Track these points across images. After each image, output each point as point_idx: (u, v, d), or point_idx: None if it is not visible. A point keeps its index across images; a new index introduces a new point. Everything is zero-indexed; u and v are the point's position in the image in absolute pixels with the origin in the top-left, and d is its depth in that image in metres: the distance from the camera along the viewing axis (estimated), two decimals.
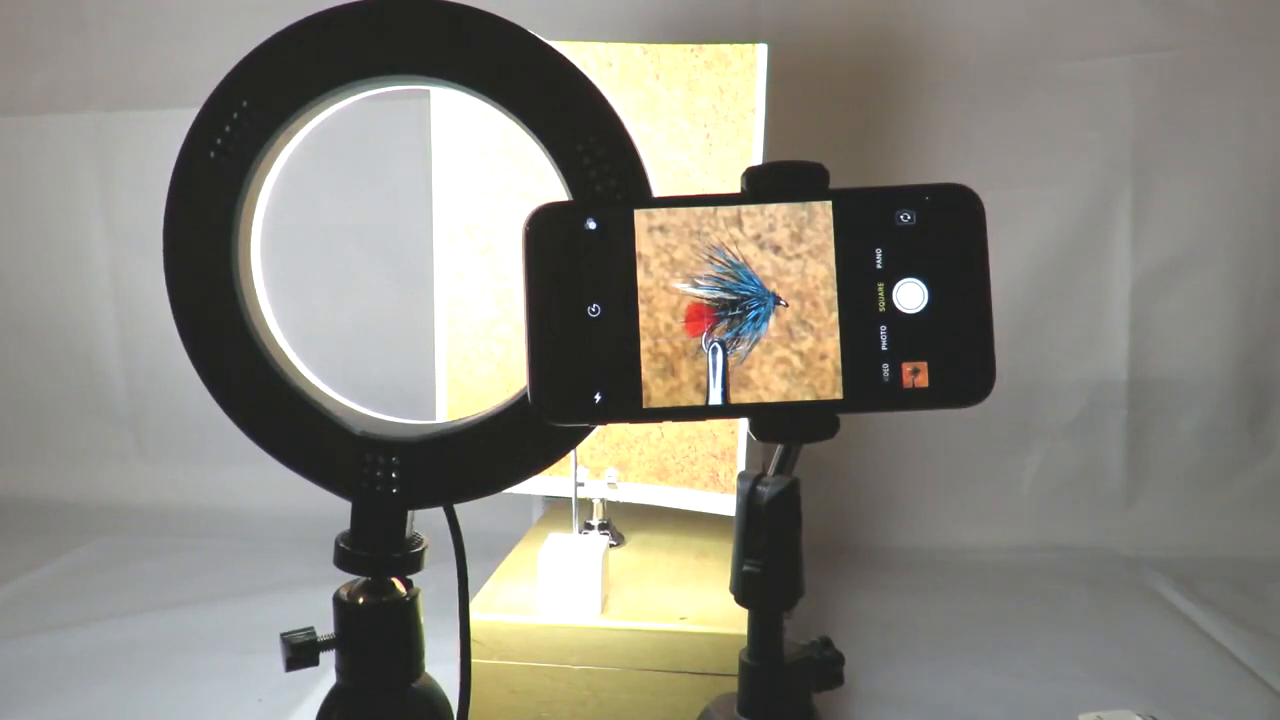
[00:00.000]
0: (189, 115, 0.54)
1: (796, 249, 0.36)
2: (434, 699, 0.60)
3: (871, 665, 0.95)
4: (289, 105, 0.54)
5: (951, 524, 1.27)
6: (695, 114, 0.96)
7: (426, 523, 0.58)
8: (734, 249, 0.36)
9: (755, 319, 0.36)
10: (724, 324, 0.36)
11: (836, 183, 0.37)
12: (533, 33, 0.52)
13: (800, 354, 0.35)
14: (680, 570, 0.96)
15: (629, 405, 0.36)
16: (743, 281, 0.36)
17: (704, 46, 0.96)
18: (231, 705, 0.92)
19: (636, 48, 0.97)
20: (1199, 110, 1.21)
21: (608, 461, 1.01)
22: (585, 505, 1.01)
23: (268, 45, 0.54)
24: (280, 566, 1.19)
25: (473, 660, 0.61)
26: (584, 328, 0.36)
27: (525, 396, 0.40)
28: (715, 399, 0.36)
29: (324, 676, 0.59)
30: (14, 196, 1.43)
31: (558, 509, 1.10)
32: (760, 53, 0.95)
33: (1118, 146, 1.22)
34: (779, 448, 0.46)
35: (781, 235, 0.36)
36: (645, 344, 0.36)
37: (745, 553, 0.49)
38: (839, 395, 0.36)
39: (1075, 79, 1.21)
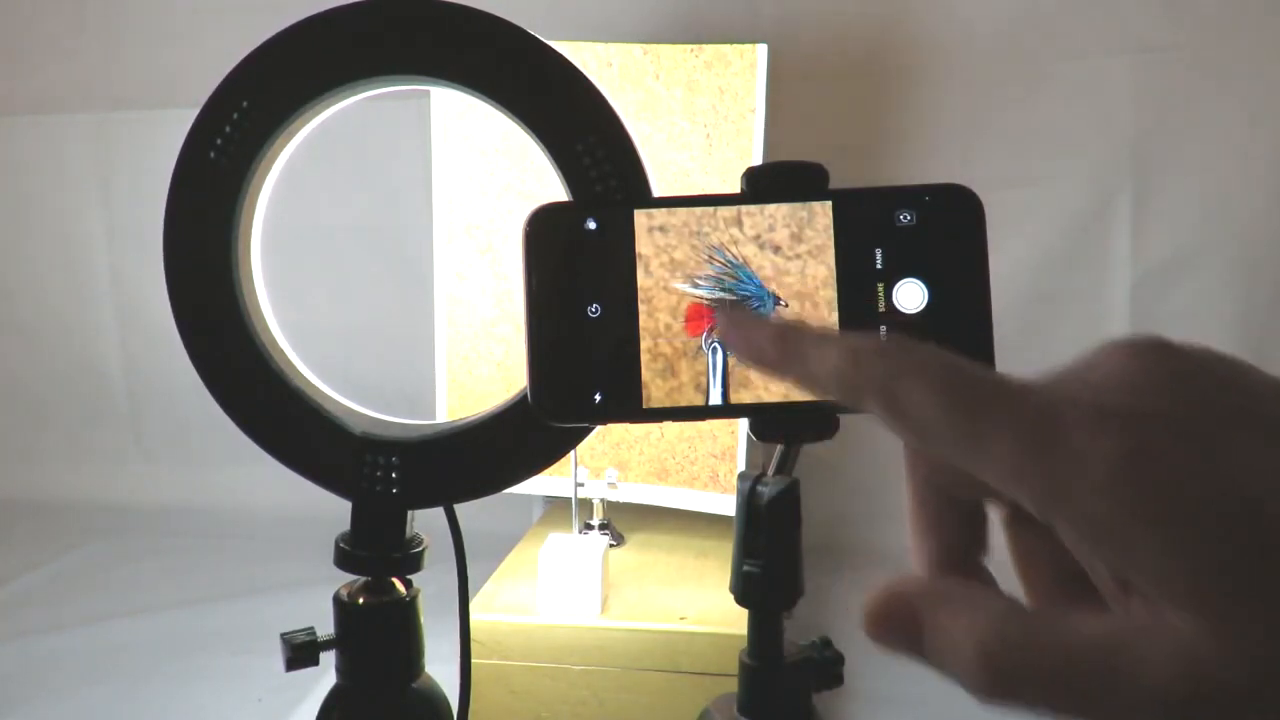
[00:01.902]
0: (189, 115, 0.54)
1: (796, 249, 0.36)
2: (434, 699, 0.60)
3: (871, 665, 0.95)
4: (289, 105, 0.54)
5: None
6: (695, 114, 0.96)
7: (426, 523, 0.58)
8: (734, 249, 0.36)
9: None
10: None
11: (836, 183, 0.37)
12: (533, 33, 0.52)
13: None
14: (680, 570, 0.96)
15: (629, 405, 0.36)
16: (742, 282, 0.36)
17: (704, 46, 0.96)
18: (231, 705, 0.92)
19: (636, 48, 0.97)
20: (1199, 110, 1.21)
21: (608, 461, 1.01)
22: (585, 505, 1.01)
23: (268, 45, 0.54)
24: (280, 566, 1.19)
25: (473, 660, 0.61)
26: (584, 328, 0.36)
27: (525, 396, 0.40)
28: (715, 399, 0.36)
29: (324, 676, 0.59)
30: (14, 196, 1.42)
31: (558, 509, 1.10)
32: (760, 53, 0.95)
33: (1118, 146, 1.22)
34: (779, 448, 0.46)
35: (781, 235, 0.36)
36: (645, 344, 0.36)
37: (745, 553, 0.49)
38: None
39: (1075, 79, 1.21)
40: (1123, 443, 0.23)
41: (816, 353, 0.28)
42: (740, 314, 0.32)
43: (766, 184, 0.37)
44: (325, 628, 0.57)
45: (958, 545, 0.29)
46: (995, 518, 0.30)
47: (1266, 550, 0.22)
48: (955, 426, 0.25)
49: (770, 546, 0.49)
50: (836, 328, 0.34)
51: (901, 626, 0.26)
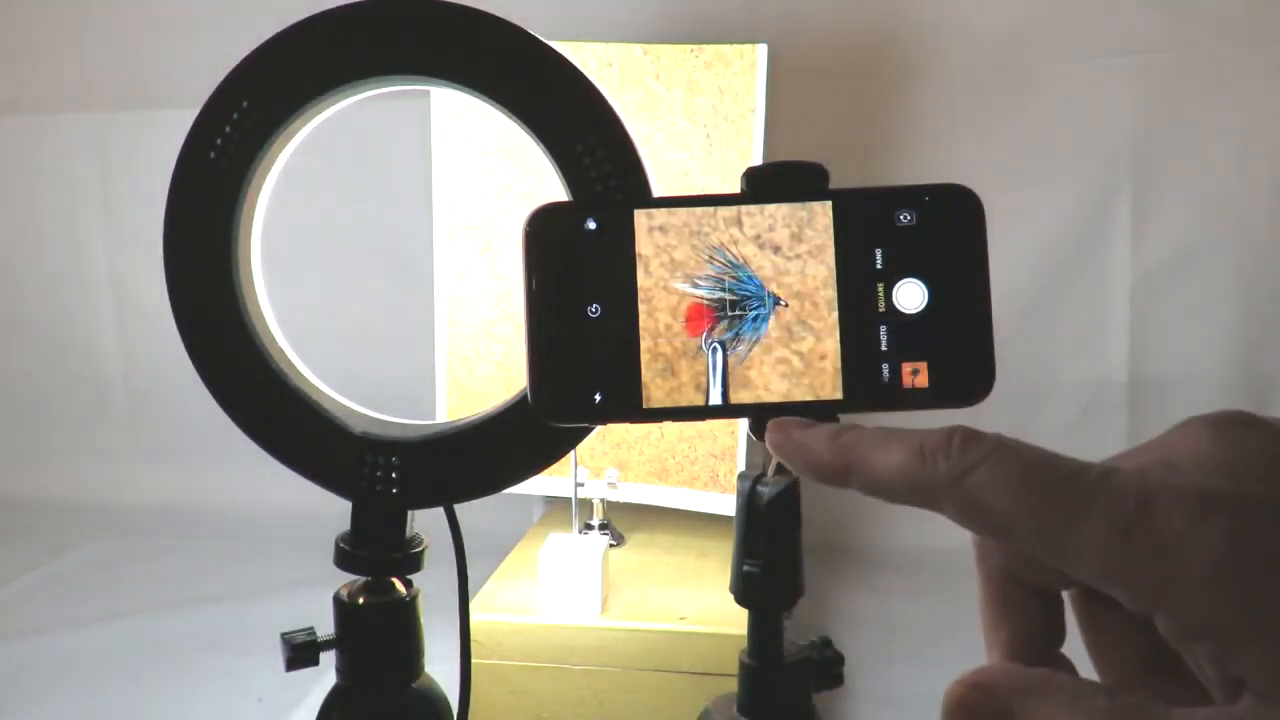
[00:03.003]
0: (189, 115, 0.54)
1: (796, 249, 0.36)
2: (434, 699, 0.60)
3: (871, 665, 0.95)
4: (289, 105, 0.54)
5: (952, 524, 1.27)
6: (695, 114, 0.96)
7: (426, 523, 0.58)
8: (734, 249, 0.36)
9: (755, 319, 0.36)
10: (724, 324, 0.36)
11: (836, 183, 0.36)
12: (533, 33, 0.52)
13: (800, 354, 0.35)
14: (680, 570, 0.96)
15: (629, 405, 0.36)
16: (742, 282, 0.36)
17: (704, 47, 0.96)
18: (231, 705, 0.92)
19: (636, 48, 0.97)
20: (1199, 110, 1.21)
21: (608, 461, 1.01)
22: (585, 505, 1.01)
23: (268, 45, 0.54)
24: (280, 566, 1.19)
25: (473, 660, 0.61)
26: (584, 328, 0.36)
27: (525, 396, 0.40)
28: (715, 399, 0.36)
29: (324, 676, 0.59)
30: (14, 196, 1.43)
31: (558, 509, 1.10)
32: (760, 53, 0.95)
33: (1118, 146, 1.22)
34: None
35: (781, 235, 0.36)
36: (645, 344, 0.36)
37: (745, 553, 0.49)
38: (839, 395, 0.36)
39: (1075, 79, 1.21)
40: (1226, 529, 0.21)
41: (878, 454, 0.26)
42: (788, 422, 0.30)
43: (766, 184, 0.36)
44: (325, 628, 0.57)
45: (1035, 634, 0.27)
46: (1066, 596, 0.28)
47: None
48: (1039, 522, 0.23)
49: (770, 546, 0.49)
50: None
51: None
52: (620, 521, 1.05)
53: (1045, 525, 0.23)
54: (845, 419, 0.37)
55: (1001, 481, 0.24)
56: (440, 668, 0.61)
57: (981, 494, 0.24)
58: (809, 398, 0.36)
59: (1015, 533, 0.24)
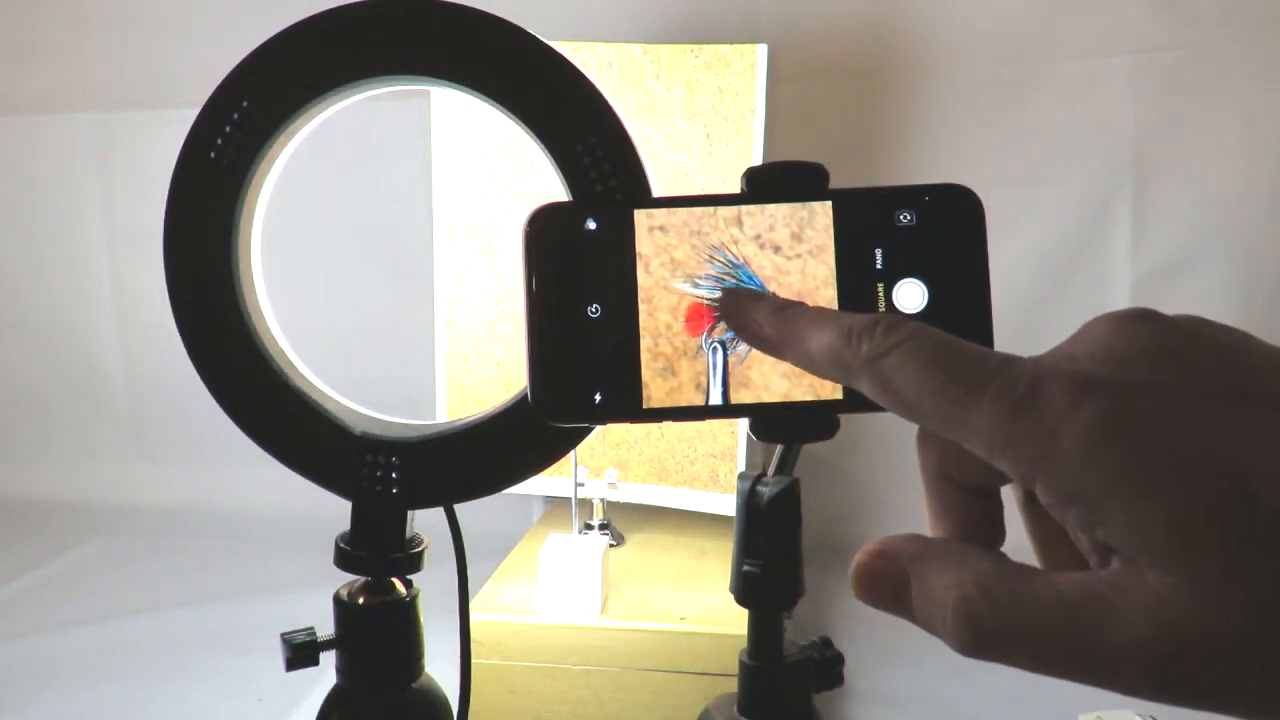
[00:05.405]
0: (189, 115, 0.54)
1: (796, 249, 0.36)
2: (434, 699, 0.60)
3: (871, 665, 0.95)
4: (289, 105, 0.54)
5: None
6: (695, 114, 0.96)
7: (426, 523, 0.58)
8: (734, 249, 0.36)
9: None
10: (724, 324, 0.36)
11: (836, 183, 0.37)
12: (533, 33, 0.52)
13: None
14: (680, 570, 0.96)
15: (629, 405, 0.36)
16: (743, 281, 0.36)
17: (704, 47, 0.96)
18: (231, 705, 0.92)
19: (636, 48, 0.97)
20: (1199, 110, 1.21)
21: (608, 461, 1.01)
22: (585, 505, 1.01)
23: (268, 45, 0.54)
24: (280, 566, 1.19)
25: (473, 660, 0.61)
26: (584, 328, 0.36)
27: (525, 396, 0.40)
28: (715, 399, 0.36)
29: (324, 676, 0.59)
30: (14, 196, 1.43)
31: (558, 509, 1.10)
32: (760, 53, 0.95)
33: (1117, 146, 1.22)
34: (779, 448, 0.46)
35: (781, 235, 0.36)
36: (645, 344, 0.36)
37: (745, 553, 0.49)
38: (839, 395, 0.36)
39: (1075, 79, 1.21)
40: (1102, 409, 0.24)
41: (812, 331, 0.29)
42: (740, 292, 0.33)
43: (766, 184, 0.37)
44: (325, 628, 0.57)
45: (972, 532, 0.30)
46: (1013, 500, 0.30)
47: (1245, 510, 0.22)
48: (941, 399, 0.25)
49: (770, 546, 0.49)
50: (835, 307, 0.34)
51: (888, 584, 0.26)
52: (620, 521, 1.05)
53: (946, 404, 0.25)
54: (842, 415, 0.37)
55: (912, 363, 0.26)
56: (440, 668, 0.61)
57: (893, 374, 0.26)
58: (809, 398, 0.36)
59: (921, 411, 0.26)
